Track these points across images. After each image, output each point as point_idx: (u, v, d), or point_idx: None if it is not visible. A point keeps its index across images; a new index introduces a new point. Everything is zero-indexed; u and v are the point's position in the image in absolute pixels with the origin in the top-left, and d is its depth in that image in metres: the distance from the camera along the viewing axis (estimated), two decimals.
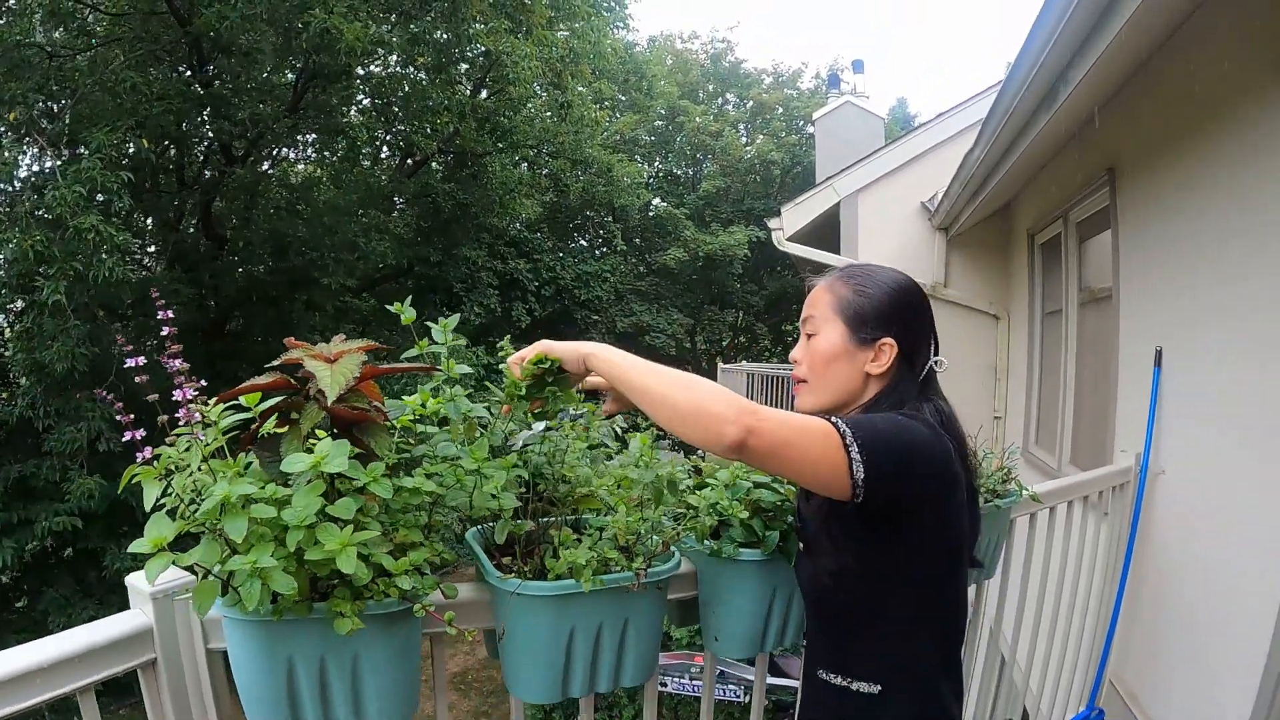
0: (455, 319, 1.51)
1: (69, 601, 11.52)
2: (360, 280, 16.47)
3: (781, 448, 1.29)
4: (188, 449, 1.22)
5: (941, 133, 8.38)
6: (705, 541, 1.62)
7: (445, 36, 13.26)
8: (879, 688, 1.45)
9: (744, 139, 27.09)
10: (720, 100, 29.13)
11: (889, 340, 1.53)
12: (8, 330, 11.95)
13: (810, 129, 19.97)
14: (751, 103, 27.85)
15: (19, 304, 11.52)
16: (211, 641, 1.42)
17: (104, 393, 1.26)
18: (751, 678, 2.43)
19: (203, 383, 1.24)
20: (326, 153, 16.51)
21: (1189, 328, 3.46)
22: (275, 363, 1.28)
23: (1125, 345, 4.17)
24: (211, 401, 1.26)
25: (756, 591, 1.67)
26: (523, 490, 1.54)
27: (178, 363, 1.23)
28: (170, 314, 1.28)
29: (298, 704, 1.29)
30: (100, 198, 9.82)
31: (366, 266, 16.03)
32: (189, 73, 13.15)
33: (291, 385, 1.29)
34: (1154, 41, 3.31)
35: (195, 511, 1.15)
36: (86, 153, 10.09)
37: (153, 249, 10.77)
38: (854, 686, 1.47)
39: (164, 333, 1.26)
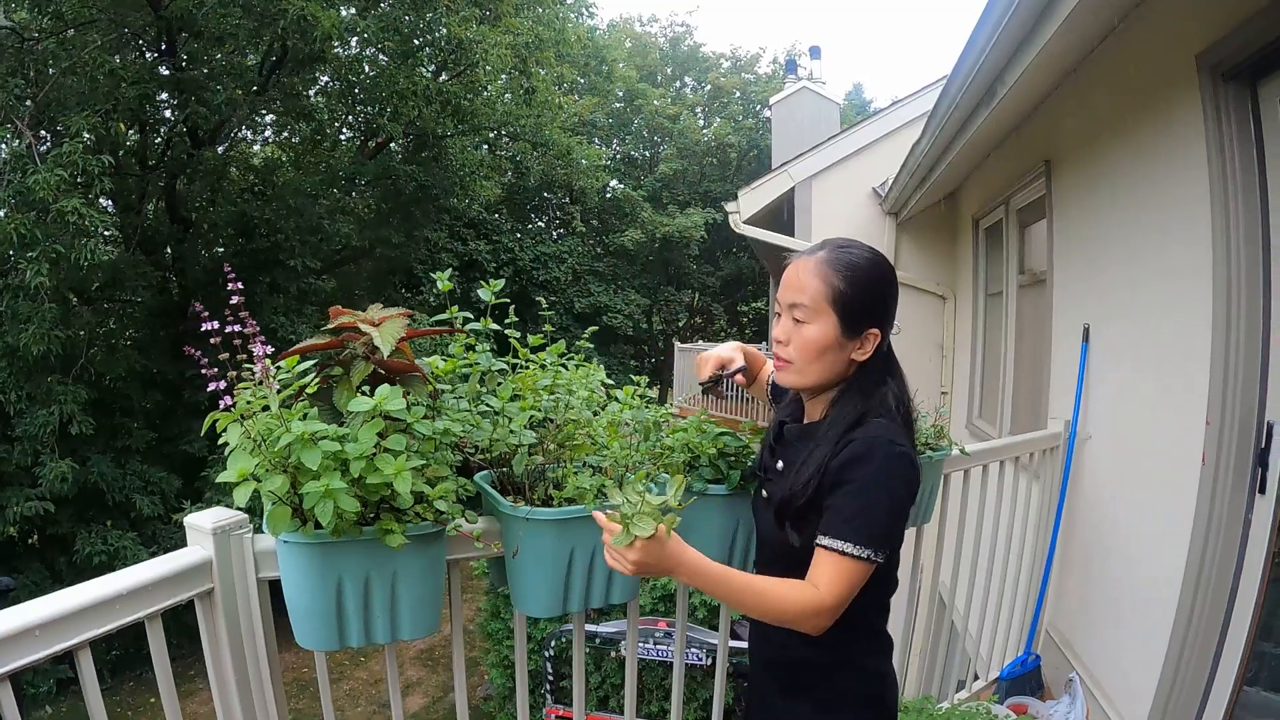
0: (500, 284, 1.80)
1: (38, 588, 11.35)
2: (323, 262, 16.50)
3: (848, 600, 1.51)
4: (261, 397, 1.47)
5: (893, 121, 8.66)
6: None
7: (415, 22, 13.32)
8: (828, 657, 1.67)
9: (701, 122, 27.27)
10: (678, 84, 29.24)
11: (875, 331, 1.63)
12: None
13: (767, 113, 20.13)
14: (709, 86, 27.98)
15: None
16: (262, 571, 1.67)
17: (193, 350, 1.49)
18: (714, 641, 2.68)
19: (269, 348, 1.49)
20: (287, 134, 16.49)
21: (1112, 306, 3.73)
22: (329, 326, 1.55)
23: (1058, 323, 4.44)
24: (280, 357, 1.53)
25: (722, 523, 1.95)
26: (538, 430, 1.80)
27: (251, 326, 1.48)
28: (240, 285, 1.52)
29: (344, 617, 1.56)
30: (79, 180, 9.83)
31: (329, 248, 16.06)
32: (156, 56, 13.13)
33: (340, 345, 1.55)
34: (1084, 48, 3.56)
35: (270, 448, 1.41)
36: (67, 136, 10.11)
37: (108, 233, 10.81)
38: (800, 652, 1.68)
39: (233, 300, 1.50)
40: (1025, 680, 3.87)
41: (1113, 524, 3.65)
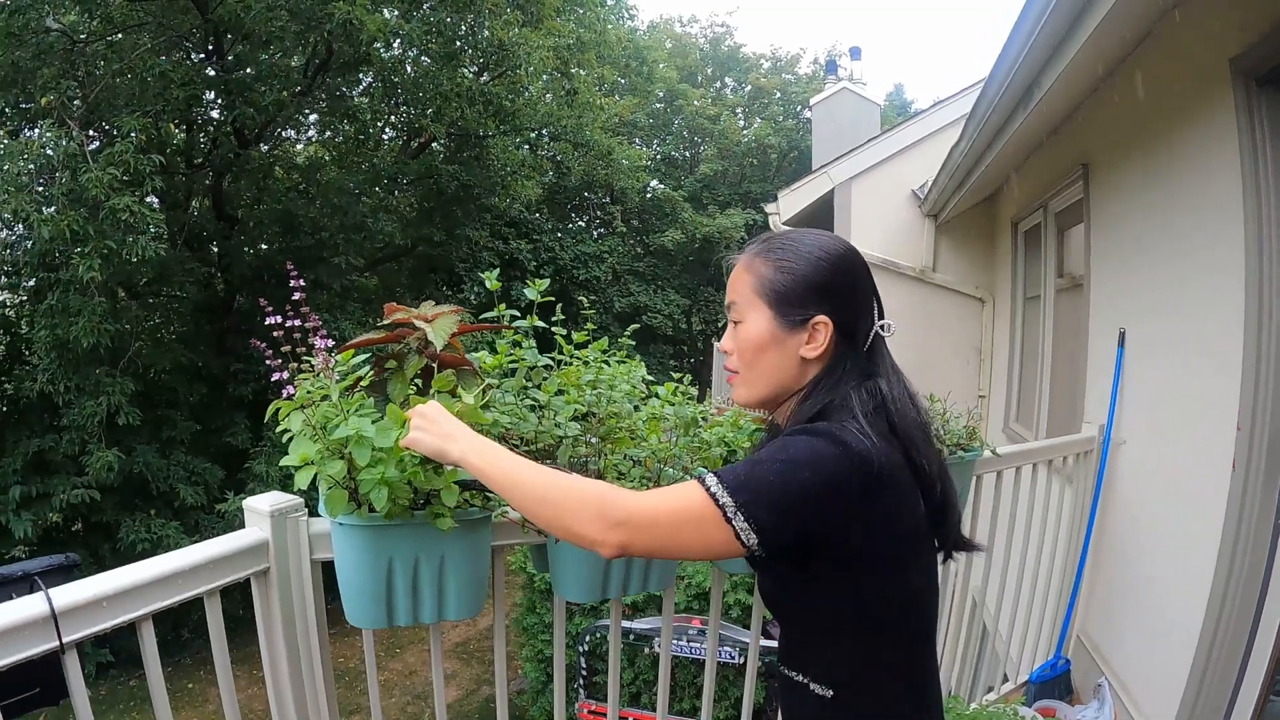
0: (545, 282, 1.88)
1: (83, 573, 11.63)
2: (366, 259, 16.70)
3: (664, 543, 1.27)
4: (320, 387, 1.56)
5: (933, 123, 8.61)
6: None
7: (457, 25, 13.44)
8: (831, 692, 1.38)
9: (742, 123, 27.14)
10: (719, 84, 29.17)
11: (822, 318, 1.39)
12: (28, 308, 12.14)
13: (807, 114, 20.08)
14: (750, 87, 27.89)
15: (32, 283, 11.74)
16: (315, 553, 1.77)
17: (259, 343, 1.57)
18: (746, 639, 2.72)
19: (329, 341, 1.58)
20: (330, 134, 16.69)
21: (1148, 311, 3.74)
22: (385, 322, 1.64)
23: (1094, 326, 4.45)
24: (336, 350, 1.62)
25: None
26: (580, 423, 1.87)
27: (313, 320, 1.57)
28: (302, 281, 1.61)
29: (393, 596, 1.64)
30: (128, 179, 10.02)
31: (372, 246, 16.25)
32: (203, 58, 13.35)
33: (395, 339, 1.64)
34: (1119, 53, 3.60)
35: (327, 436, 1.50)
36: (118, 136, 10.33)
37: (156, 230, 11.04)
38: (811, 686, 1.40)
39: (295, 296, 1.59)
40: (1054, 684, 3.89)
41: (1144, 529, 3.66)
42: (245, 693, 1.80)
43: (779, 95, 27.05)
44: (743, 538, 1.22)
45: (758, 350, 1.41)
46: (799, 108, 25.76)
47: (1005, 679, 3.85)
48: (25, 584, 1.51)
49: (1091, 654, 3.96)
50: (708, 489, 1.23)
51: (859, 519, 1.26)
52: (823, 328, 1.39)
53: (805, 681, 1.41)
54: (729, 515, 1.21)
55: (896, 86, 35.94)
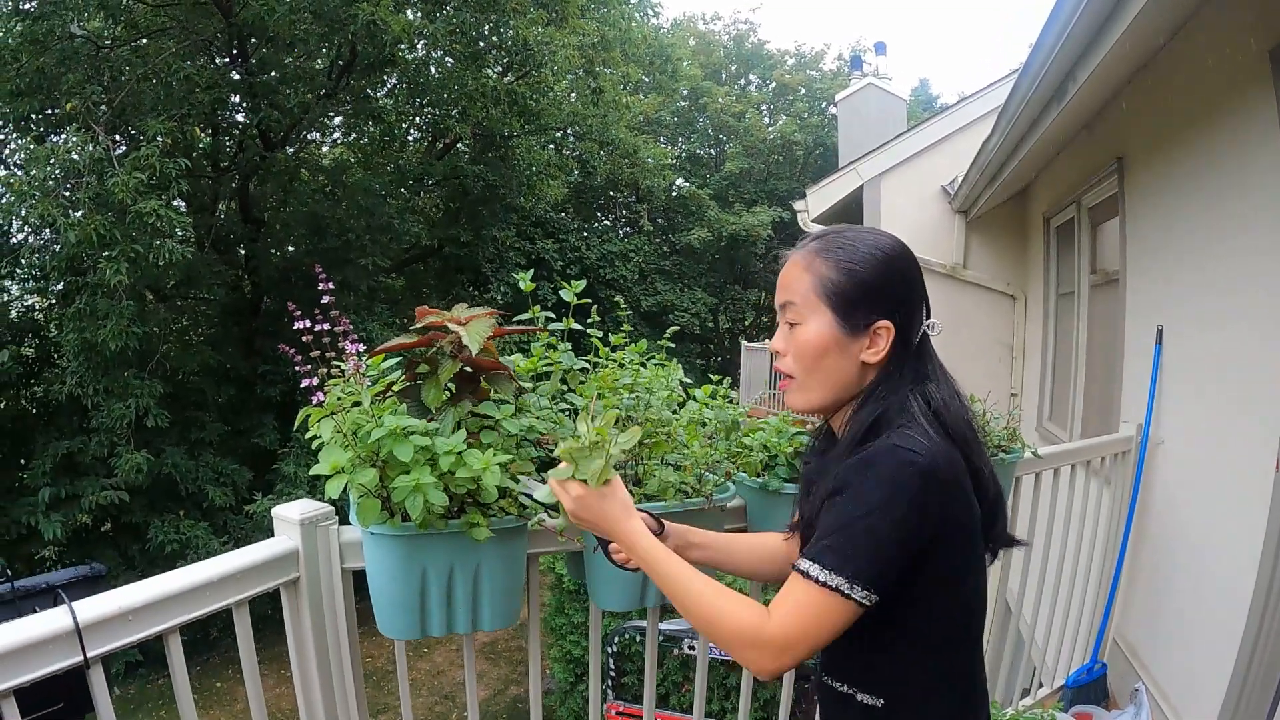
0: (581, 284, 1.84)
1: (112, 574, 11.66)
2: (392, 261, 16.76)
3: (814, 644, 1.24)
4: (350, 393, 1.53)
5: (962, 118, 8.56)
6: (756, 477, 1.91)
7: (481, 24, 13.46)
8: (881, 701, 1.36)
9: (767, 120, 27.09)
10: (743, 81, 29.10)
11: (885, 323, 1.36)
12: (56, 311, 12.27)
13: (833, 110, 19.98)
14: (774, 84, 27.77)
15: (60, 286, 11.86)
16: (346, 562, 1.72)
17: (289, 349, 1.55)
18: None
19: (360, 345, 1.55)
20: (355, 135, 16.76)
21: (1187, 309, 3.68)
22: (417, 326, 1.60)
23: (1130, 324, 4.38)
24: (367, 355, 1.59)
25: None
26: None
27: (344, 324, 1.54)
28: (332, 284, 1.59)
29: (427, 607, 1.61)
30: (154, 183, 10.09)
31: (398, 247, 16.31)
32: (227, 61, 13.45)
33: (427, 343, 1.61)
34: (1154, 45, 3.52)
35: (360, 442, 1.47)
36: (144, 140, 10.40)
37: (182, 233, 11.13)
38: (858, 697, 1.38)
39: (324, 300, 1.57)
40: (1091, 689, 3.82)
41: (1183, 532, 3.59)
42: (273, 691, 1.77)
43: (804, 92, 26.94)
44: (864, 602, 1.21)
45: (818, 355, 1.37)
46: (824, 104, 25.67)
47: (1040, 684, 3.78)
48: (49, 596, 1.48)
49: (1128, 658, 3.89)
50: (816, 580, 1.22)
51: (938, 531, 1.25)
52: (884, 332, 1.36)
53: (851, 692, 1.39)
54: (845, 592, 1.20)
55: (922, 81, 35.83)
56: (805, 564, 1.24)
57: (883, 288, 1.35)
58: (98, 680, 1.35)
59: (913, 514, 1.21)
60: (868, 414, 1.34)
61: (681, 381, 1.96)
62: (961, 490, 1.29)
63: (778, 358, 1.43)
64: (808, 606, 1.23)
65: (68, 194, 10.01)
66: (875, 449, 1.26)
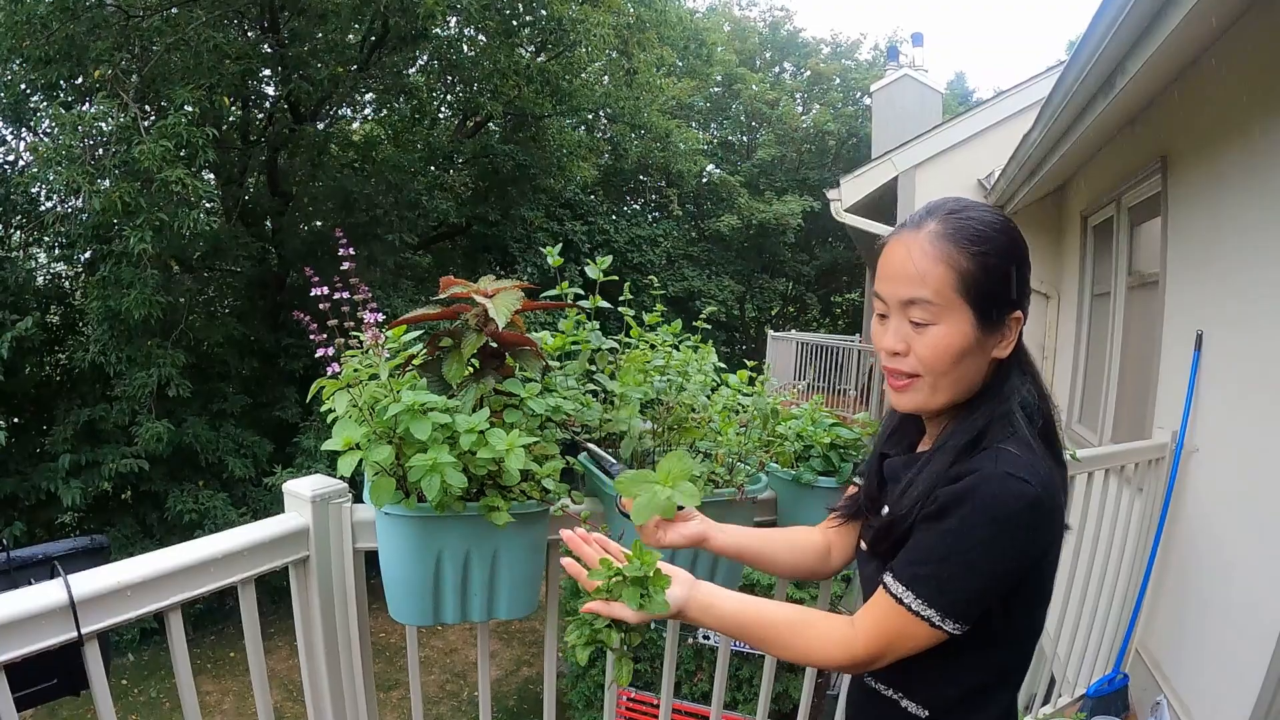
0: (607, 260, 1.78)
1: (130, 541, 11.97)
2: (420, 238, 16.76)
3: (897, 656, 1.23)
4: (368, 365, 1.47)
5: (999, 112, 8.46)
6: (788, 469, 1.83)
7: (516, 2, 13.41)
8: (927, 712, 1.32)
9: (800, 109, 27.00)
10: (777, 69, 29.02)
11: (1018, 314, 1.27)
12: (83, 279, 12.33)
13: (867, 101, 19.85)
14: (809, 72, 27.69)
15: (87, 254, 11.94)
16: (359, 542, 1.65)
17: (302, 314, 1.49)
18: None
19: (379, 315, 1.49)
20: (386, 111, 16.75)
21: (1229, 312, 3.57)
22: (441, 297, 1.53)
23: (1168, 327, 4.27)
24: (388, 326, 1.53)
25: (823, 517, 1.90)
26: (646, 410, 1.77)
27: (363, 291, 1.48)
28: (353, 250, 1.53)
29: (441, 593, 1.54)
30: (182, 153, 10.11)
31: (426, 224, 16.29)
32: (259, 33, 13.44)
33: (452, 315, 1.54)
34: (1209, 37, 3.42)
35: (378, 418, 1.41)
36: (171, 109, 10.41)
37: (210, 204, 11.14)
38: (903, 704, 1.34)
39: (344, 267, 1.50)
40: (1112, 700, 3.75)
41: (1215, 543, 3.50)
42: (287, 663, 1.71)
43: (838, 81, 26.81)
44: (954, 632, 1.20)
45: (957, 358, 1.24)
46: (859, 94, 25.52)
47: (1060, 693, 3.71)
48: (45, 568, 1.42)
49: (1151, 670, 3.81)
50: (909, 608, 1.20)
51: (1035, 561, 1.22)
52: (1015, 324, 1.28)
53: (896, 697, 1.35)
54: (936, 624, 1.19)
55: (958, 74, 35.64)
56: (898, 588, 1.21)
57: (1018, 277, 1.27)
58: (92, 657, 1.28)
59: (1015, 550, 1.18)
60: (972, 425, 1.27)
61: (716, 365, 1.89)
62: (1060, 514, 1.24)
63: (894, 357, 1.29)
64: (899, 629, 1.22)
65: (94, 162, 10.01)
66: (984, 477, 1.18)
